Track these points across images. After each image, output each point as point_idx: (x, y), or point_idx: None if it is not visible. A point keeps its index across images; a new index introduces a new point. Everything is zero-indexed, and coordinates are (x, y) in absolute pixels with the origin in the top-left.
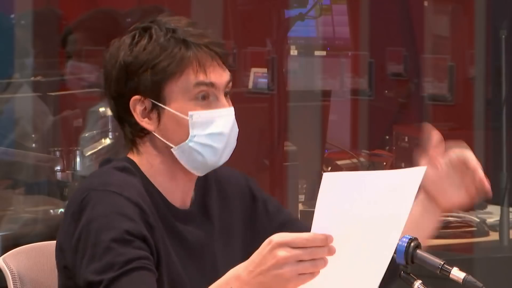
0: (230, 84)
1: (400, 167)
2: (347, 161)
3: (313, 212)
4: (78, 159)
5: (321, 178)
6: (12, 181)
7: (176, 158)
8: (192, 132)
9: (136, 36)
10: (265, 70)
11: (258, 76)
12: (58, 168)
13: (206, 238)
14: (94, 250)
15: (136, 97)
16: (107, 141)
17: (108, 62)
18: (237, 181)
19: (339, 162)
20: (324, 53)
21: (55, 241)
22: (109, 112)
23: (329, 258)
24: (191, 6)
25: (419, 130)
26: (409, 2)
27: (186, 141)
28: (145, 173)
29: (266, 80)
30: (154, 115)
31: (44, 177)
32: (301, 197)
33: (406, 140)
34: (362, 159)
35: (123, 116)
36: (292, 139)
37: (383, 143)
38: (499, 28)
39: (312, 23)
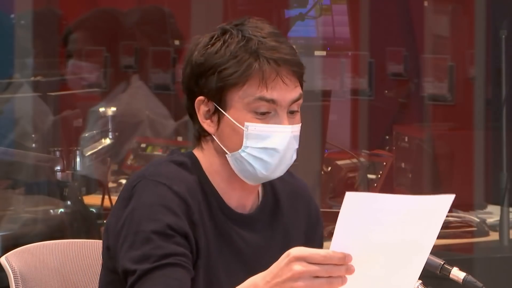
0: (299, 101)
1: (400, 167)
2: (347, 161)
3: None
4: (78, 159)
5: (321, 179)
6: (12, 181)
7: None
8: (245, 143)
9: (214, 38)
10: None
11: None
12: (58, 168)
13: (264, 245)
14: (134, 238)
15: (201, 97)
16: (107, 141)
17: (186, 57)
18: (307, 197)
19: (339, 162)
20: (324, 53)
21: (57, 241)
22: (109, 112)
23: (348, 277)
24: (191, 6)
25: (419, 130)
26: (409, 2)
27: (239, 150)
28: (205, 171)
29: None
30: (215, 118)
31: (44, 177)
32: None
33: (406, 140)
34: (362, 159)
35: (191, 113)
36: None
37: (383, 143)
38: (499, 28)
39: (312, 23)
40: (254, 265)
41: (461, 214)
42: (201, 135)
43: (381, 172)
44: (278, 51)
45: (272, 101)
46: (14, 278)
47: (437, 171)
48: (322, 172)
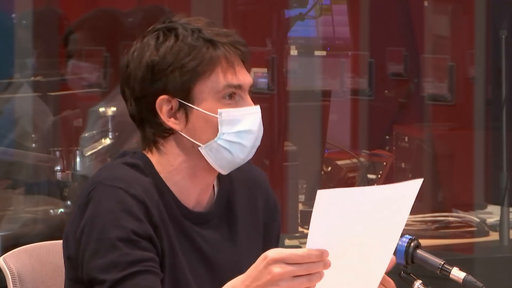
0: (253, 85)
1: (400, 167)
2: (347, 161)
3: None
4: (78, 159)
5: (321, 179)
6: (12, 181)
7: (201, 157)
8: (221, 129)
9: (161, 36)
10: (265, 70)
11: (258, 76)
12: (58, 168)
13: (223, 241)
14: (97, 245)
15: (163, 97)
16: (107, 141)
17: (131, 63)
18: (265, 185)
19: (339, 162)
20: (324, 53)
21: (55, 241)
22: (109, 112)
23: (325, 271)
24: (191, 6)
25: (419, 130)
26: (409, 2)
27: (215, 139)
28: (160, 173)
29: (266, 80)
30: (181, 115)
31: (44, 177)
32: (301, 197)
33: (406, 140)
34: (362, 159)
35: (145, 116)
36: (292, 139)
37: (383, 143)
38: (499, 28)
39: (312, 23)
40: (214, 261)
41: (461, 214)
42: (160, 137)
43: (381, 172)
44: (230, 35)
45: (238, 87)
46: (12, 279)
47: (437, 171)
48: (322, 172)
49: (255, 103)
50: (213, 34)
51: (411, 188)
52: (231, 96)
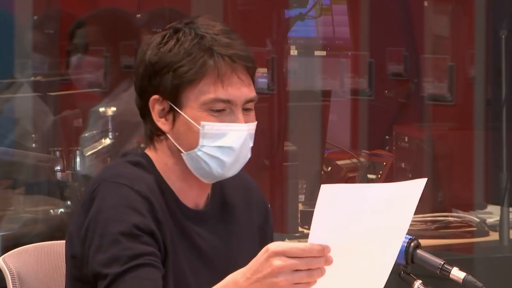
0: (253, 101)
1: (400, 167)
2: (347, 161)
3: (312, 212)
4: (78, 159)
5: (321, 179)
6: (12, 181)
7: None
8: (202, 142)
9: (166, 37)
10: (265, 70)
11: (258, 76)
12: (58, 168)
13: (220, 240)
14: (101, 241)
15: (156, 96)
16: (107, 141)
17: (138, 57)
18: (256, 187)
19: (339, 162)
20: (324, 53)
21: (55, 241)
22: (110, 112)
23: (327, 268)
24: (191, 6)
25: (419, 130)
26: (409, 2)
27: (195, 149)
28: (159, 170)
29: (266, 80)
30: (170, 117)
31: (44, 177)
32: (301, 197)
33: (406, 140)
34: (362, 159)
35: (145, 112)
36: (292, 139)
37: (383, 143)
38: (499, 28)
39: (312, 23)
40: (212, 260)
41: (461, 214)
42: (155, 135)
43: (381, 172)
44: (232, 47)
45: (227, 102)
46: (11, 279)
47: (437, 171)
48: (322, 172)
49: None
50: (215, 43)
51: (416, 187)
52: (221, 110)
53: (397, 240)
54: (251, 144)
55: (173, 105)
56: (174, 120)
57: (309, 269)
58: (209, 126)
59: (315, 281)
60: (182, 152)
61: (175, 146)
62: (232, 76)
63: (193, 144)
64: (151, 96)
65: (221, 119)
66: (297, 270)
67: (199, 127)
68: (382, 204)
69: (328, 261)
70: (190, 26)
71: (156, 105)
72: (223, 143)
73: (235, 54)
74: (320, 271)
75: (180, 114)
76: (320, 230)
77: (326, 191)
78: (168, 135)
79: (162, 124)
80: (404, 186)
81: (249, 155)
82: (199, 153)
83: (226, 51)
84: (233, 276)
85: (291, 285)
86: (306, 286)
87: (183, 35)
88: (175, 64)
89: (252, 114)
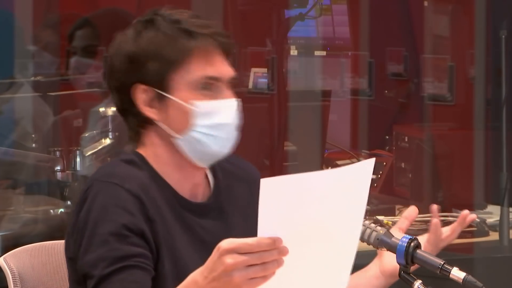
0: (236, 78)
1: (400, 167)
2: (347, 161)
3: None
4: (78, 159)
5: None
6: (12, 181)
7: (181, 150)
8: (195, 121)
9: (140, 28)
10: (265, 70)
11: (258, 76)
12: (58, 168)
13: (225, 232)
14: (90, 240)
15: (139, 86)
16: (107, 141)
17: (111, 55)
18: (255, 172)
19: (339, 162)
20: (324, 53)
21: (55, 241)
22: (110, 112)
23: (287, 258)
24: (191, 6)
25: (419, 130)
26: (409, 2)
27: (190, 131)
28: (153, 166)
29: (266, 80)
30: (157, 104)
31: (44, 177)
32: None
33: (406, 140)
34: (362, 159)
35: (127, 107)
36: (292, 139)
37: (383, 143)
38: (499, 28)
39: (312, 23)
40: None
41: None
42: (141, 127)
43: (381, 172)
44: (210, 26)
45: (216, 79)
46: (12, 279)
47: (437, 171)
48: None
49: (245, 101)
50: (193, 25)
51: (364, 169)
52: (208, 88)
53: (355, 223)
54: (241, 121)
55: (160, 91)
56: (162, 107)
57: (263, 263)
58: (201, 105)
59: (273, 273)
60: (175, 138)
61: (166, 133)
62: (216, 53)
63: (186, 127)
64: (130, 88)
65: (212, 96)
66: (251, 265)
67: (192, 107)
68: (330, 190)
69: (283, 252)
70: (161, 15)
71: (141, 95)
72: (216, 120)
73: (215, 33)
74: (277, 263)
75: (169, 98)
76: (268, 224)
77: (267, 184)
78: (158, 123)
79: (150, 112)
80: (351, 170)
81: (238, 131)
82: (193, 133)
83: (207, 31)
84: (192, 276)
85: (247, 281)
86: (263, 279)
87: (159, 22)
88: (158, 51)
89: (232, 91)
